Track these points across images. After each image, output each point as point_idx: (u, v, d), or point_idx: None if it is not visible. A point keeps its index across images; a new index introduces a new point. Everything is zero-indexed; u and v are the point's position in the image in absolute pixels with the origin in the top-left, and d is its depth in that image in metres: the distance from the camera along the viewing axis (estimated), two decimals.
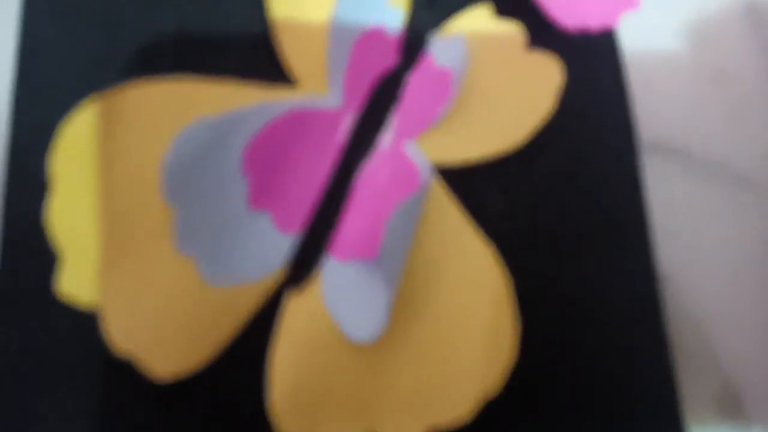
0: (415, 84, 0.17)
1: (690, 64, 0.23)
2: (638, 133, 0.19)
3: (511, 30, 0.18)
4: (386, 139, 0.17)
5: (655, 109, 0.22)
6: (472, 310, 0.15)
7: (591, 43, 0.18)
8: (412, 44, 0.18)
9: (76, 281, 0.14)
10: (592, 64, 0.18)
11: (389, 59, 0.17)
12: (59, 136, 0.13)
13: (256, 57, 0.16)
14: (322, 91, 0.16)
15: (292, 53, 0.16)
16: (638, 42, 0.20)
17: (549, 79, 0.18)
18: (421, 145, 0.17)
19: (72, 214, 0.13)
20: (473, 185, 0.17)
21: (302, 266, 0.16)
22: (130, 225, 0.13)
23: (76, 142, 0.13)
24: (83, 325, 0.14)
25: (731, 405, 0.20)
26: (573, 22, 0.17)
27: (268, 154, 0.15)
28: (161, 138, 0.13)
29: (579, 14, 0.18)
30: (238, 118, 0.14)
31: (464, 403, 0.15)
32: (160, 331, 0.14)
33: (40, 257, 0.14)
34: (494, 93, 0.18)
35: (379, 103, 0.17)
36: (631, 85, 0.20)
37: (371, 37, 0.17)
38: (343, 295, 0.15)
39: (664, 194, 0.21)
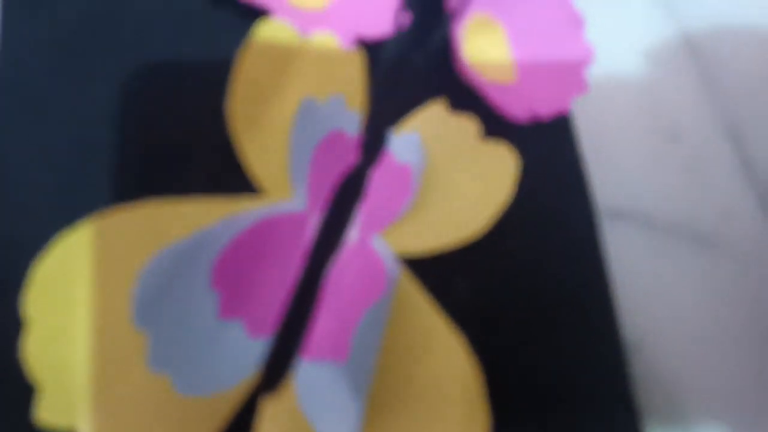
0: (377, 180, 0.18)
1: (643, 125, 0.24)
2: (596, 206, 0.20)
3: (465, 123, 0.19)
4: (352, 234, 0.18)
5: (611, 175, 0.22)
6: (446, 408, 0.16)
7: (544, 126, 0.19)
8: (372, 142, 0.18)
9: (55, 408, 0.14)
10: (547, 146, 0.19)
11: (350, 158, 0.18)
12: (32, 274, 0.14)
13: (220, 167, 0.17)
14: (287, 196, 0.17)
15: (255, 162, 0.17)
16: (590, 111, 0.21)
17: (505, 167, 0.18)
18: (387, 238, 0.18)
19: (48, 347, 0.14)
20: (439, 273, 0.18)
21: (275, 370, 0.16)
22: (105, 353, 0.14)
23: (49, 279, 0.14)
24: None
25: None
26: (524, 114, 0.18)
27: (236, 267, 0.16)
28: (129, 269, 0.14)
29: (529, 105, 0.19)
30: (204, 239, 0.15)
31: None
32: None
33: (17, 386, 0.14)
34: (453, 184, 0.18)
35: (344, 201, 0.18)
36: (586, 152, 0.21)
37: (332, 140, 0.18)
38: (317, 398, 0.16)
39: (627, 259, 0.21)
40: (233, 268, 0.16)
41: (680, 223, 0.23)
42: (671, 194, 0.23)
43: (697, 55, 0.25)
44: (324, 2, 0.20)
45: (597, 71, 0.21)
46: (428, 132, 0.18)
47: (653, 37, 0.25)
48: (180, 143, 0.17)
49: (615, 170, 0.23)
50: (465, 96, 0.19)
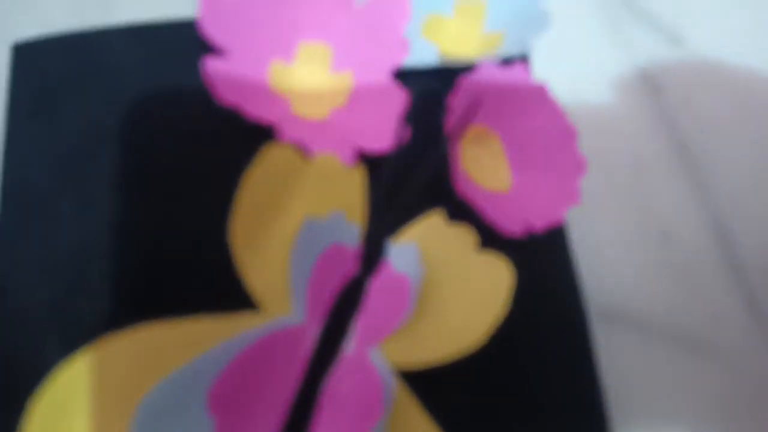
0: (375, 291, 0.18)
1: (634, 229, 0.25)
2: (591, 318, 0.20)
3: (463, 234, 0.19)
4: (350, 346, 0.18)
5: (605, 279, 0.23)
6: None
7: (539, 239, 0.20)
8: (371, 253, 0.19)
9: None
10: (542, 258, 0.20)
11: (350, 269, 0.18)
12: (31, 408, 0.14)
13: (220, 285, 0.17)
14: (286, 312, 0.17)
15: (255, 280, 0.17)
16: (584, 217, 0.22)
17: (501, 279, 0.19)
18: (384, 351, 0.18)
19: None
20: (435, 387, 0.18)
21: None
22: None
23: (47, 413, 0.14)
24: None
25: None
26: (518, 228, 0.19)
27: (233, 389, 0.16)
28: (128, 402, 0.14)
29: (524, 219, 0.19)
30: (202, 364, 0.15)
31: None
32: None
33: None
34: (450, 296, 0.19)
35: (342, 311, 0.18)
36: (580, 256, 0.21)
37: (332, 253, 0.18)
38: None
39: (620, 362, 0.21)
40: (230, 391, 0.16)
41: (672, 326, 0.23)
42: (663, 298, 0.24)
43: (688, 158, 0.26)
44: (326, 113, 0.20)
45: (589, 179, 0.21)
46: (426, 242, 0.19)
47: (644, 142, 0.26)
48: (181, 261, 0.17)
49: (608, 274, 0.23)
50: (462, 210, 0.19)
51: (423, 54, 0.21)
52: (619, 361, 0.21)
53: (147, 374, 0.14)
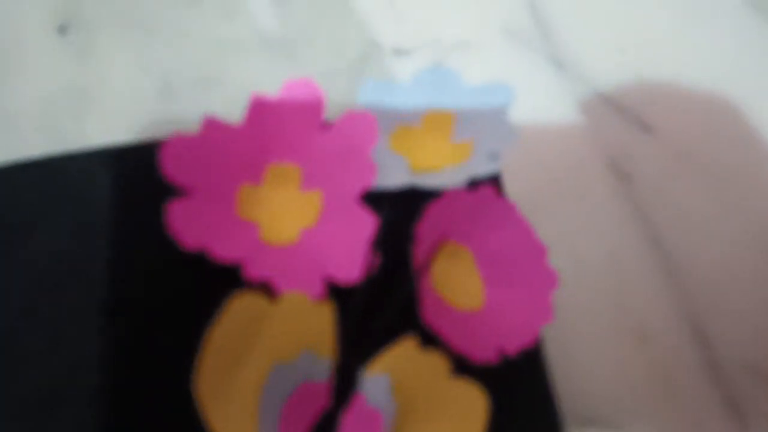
0: (348, 425, 0.18)
1: (611, 327, 0.24)
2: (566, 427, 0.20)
3: (435, 361, 0.19)
4: None
5: (582, 384, 0.23)
6: None
7: (513, 362, 0.19)
8: (343, 386, 0.19)
9: None
10: (516, 381, 0.19)
11: (321, 403, 0.18)
12: None
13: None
14: None
15: (223, 430, 0.17)
16: (559, 315, 0.21)
17: (475, 406, 0.19)
18: None
19: None
20: None
21: None
22: None
23: None
24: None
25: None
26: (491, 354, 0.19)
27: None
28: None
29: (496, 343, 0.19)
30: None
31: None
32: None
33: None
34: (425, 425, 0.18)
35: None
36: (556, 364, 0.21)
37: (302, 391, 0.18)
38: None
39: None
40: None
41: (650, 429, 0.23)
42: (640, 400, 0.23)
43: (661, 253, 0.26)
44: (296, 234, 0.20)
45: (564, 277, 0.21)
46: (399, 371, 0.19)
47: (618, 237, 0.26)
48: (148, 411, 0.17)
49: (585, 376, 0.23)
50: (432, 340, 0.19)
51: (392, 168, 0.21)
52: None
53: None
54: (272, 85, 0.21)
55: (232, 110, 0.21)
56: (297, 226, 0.20)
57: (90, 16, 0.30)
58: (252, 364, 0.17)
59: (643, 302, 0.25)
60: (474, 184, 0.20)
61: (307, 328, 0.18)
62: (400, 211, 0.19)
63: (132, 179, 0.21)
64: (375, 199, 0.20)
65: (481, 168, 0.20)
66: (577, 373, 0.22)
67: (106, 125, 0.28)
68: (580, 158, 0.29)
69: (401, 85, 0.23)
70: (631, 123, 0.30)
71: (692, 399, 0.24)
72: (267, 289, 0.18)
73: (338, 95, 0.23)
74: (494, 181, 0.20)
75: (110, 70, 0.29)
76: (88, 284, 0.20)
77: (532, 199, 0.22)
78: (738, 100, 0.29)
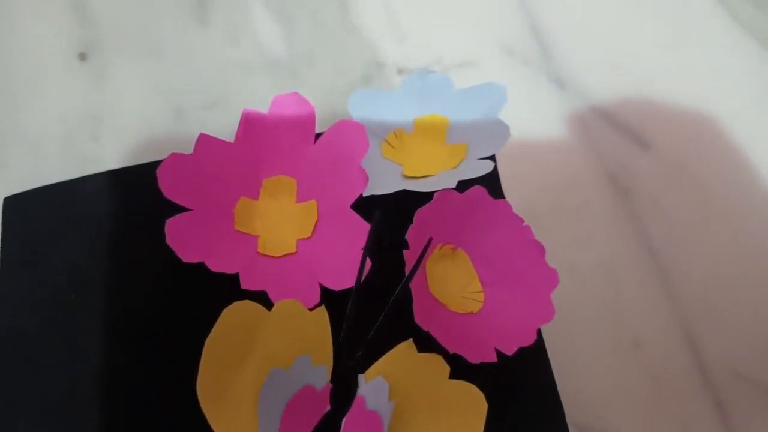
0: (349, 429, 0.19)
1: (608, 337, 0.25)
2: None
3: (433, 363, 0.19)
4: None
5: (580, 390, 0.23)
6: None
7: (512, 361, 0.20)
8: (342, 390, 0.19)
9: None
10: (516, 379, 0.20)
11: (322, 408, 0.19)
12: None
13: None
14: None
15: (223, 430, 0.18)
16: (557, 326, 0.22)
17: (474, 406, 0.19)
18: None
19: None
20: None
21: None
22: None
23: None
24: None
25: None
26: (491, 355, 0.19)
27: None
28: None
29: (494, 345, 0.19)
30: None
31: None
32: None
33: None
34: (424, 427, 0.19)
35: None
36: (554, 368, 0.22)
37: (301, 396, 0.18)
38: None
39: None
40: None
41: None
42: (635, 406, 0.24)
43: (657, 266, 0.27)
44: (293, 245, 0.21)
45: (563, 288, 0.22)
46: (397, 375, 0.19)
47: (615, 249, 0.27)
48: (154, 420, 0.18)
49: (582, 383, 0.23)
50: (429, 339, 0.19)
51: (386, 175, 0.22)
52: None
53: None
54: None
55: None
56: (294, 237, 0.21)
57: (107, 43, 0.32)
58: (249, 370, 0.18)
59: (638, 310, 0.26)
60: (465, 185, 0.20)
61: (302, 334, 0.19)
62: (391, 216, 0.20)
63: (137, 197, 0.22)
64: (367, 208, 0.20)
65: (475, 170, 0.20)
66: (572, 378, 0.22)
67: (122, 146, 0.30)
68: (579, 172, 0.30)
69: (391, 92, 0.23)
70: (628, 139, 0.30)
71: (682, 402, 0.24)
72: (263, 299, 0.19)
73: (344, 114, 0.24)
74: (488, 182, 0.21)
75: (125, 94, 0.30)
76: (100, 295, 0.21)
77: (532, 212, 0.23)
78: (729, 115, 0.30)
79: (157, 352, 0.20)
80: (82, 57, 0.31)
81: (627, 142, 0.30)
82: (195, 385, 0.18)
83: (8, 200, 0.22)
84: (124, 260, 0.21)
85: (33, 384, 0.20)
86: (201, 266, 0.19)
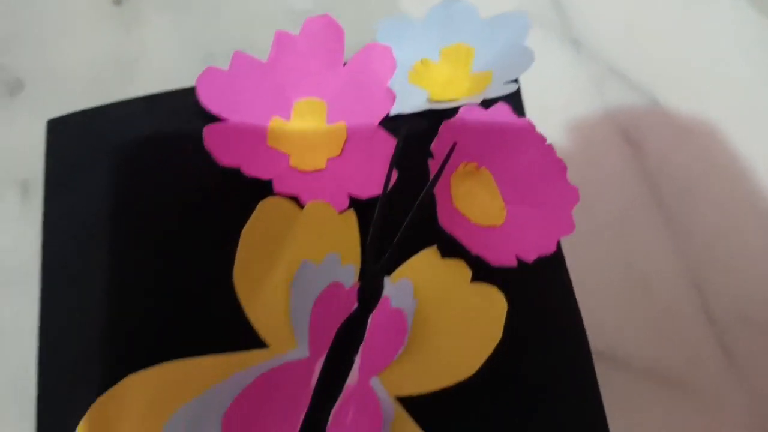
0: (375, 325, 0.20)
1: (619, 279, 0.26)
2: (587, 342, 0.21)
3: (456, 267, 0.20)
4: (353, 377, 0.19)
5: (592, 320, 0.24)
6: None
7: (532, 267, 0.21)
8: (368, 290, 0.20)
9: None
10: (536, 285, 0.21)
11: (349, 306, 0.20)
12: None
13: (230, 326, 0.19)
14: (292, 347, 0.19)
15: (260, 321, 0.19)
16: (570, 269, 0.22)
17: (495, 309, 0.20)
18: (383, 380, 0.19)
19: None
20: (434, 412, 0.19)
21: None
22: None
23: None
24: None
25: None
26: (511, 260, 0.20)
27: (245, 416, 0.17)
28: (153, 426, 0.16)
29: (515, 252, 0.20)
30: (216, 393, 0.16)
31: None
32: None
33: None
34: (445, 327, 0.20)
35: (344, 346, 0.19)
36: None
37: (330, 292, 0.19)
38: None
39: (605, 398, 0.22)
40: (242, 417, 0.17)
41: (652, 367, 0.24)
42: (644, 341, 0.25)
43: (667, 216, 0.28)
44: (323, 163, 0.22)
45: (576, 235, 0.22)
46: (421, 277, 0.20)
47: (627, 200, 0.28)
48: (195, 308, 0.19)
49: (595, 320, 0.24)
50: (454, 246, 0.20)
51: (412, 100, 0.23)
52: (604, 396, 0.22)
53: (169, 403, 0.16)
54: None
55: None
56: (324, 156, 0.22)
57: None
58: (282, 262, 0.19)
59: (648, 258, 0.27)
60: (488, 102, 0.21)
61: (331, 233, 0.20)
62: (416, 131, 0.21)
63: (175, 121, 0.23)
64: (395, 124, 0.21)
65: (499, 92, 0.21)
66: (584, 311, 0.23)
67: (152, 90, 0.31)
68: (593, 129, 0.31)
69: (417, 21, 0.24)
70: (641, 96, 0.32)
71: (691, 342, 0.25)
72: (295, 201, 0.20)
73: None
74: (512, 100, 0.22)
75: (156, 39, 0.32)
76: (141, 211, 0.22)
77: None
78: (737, 76, 0.31)
79: (195, 252, 0.21)
80: (117, 2, 0.32)
81: (640, 100, 0.31)
82: (228, 282, 0.19)
83: (52, 122, 0.23)
84: (163, 180, 0.22)
85: (76, 304, 0.20)
86: (235, 178, 0.20)
